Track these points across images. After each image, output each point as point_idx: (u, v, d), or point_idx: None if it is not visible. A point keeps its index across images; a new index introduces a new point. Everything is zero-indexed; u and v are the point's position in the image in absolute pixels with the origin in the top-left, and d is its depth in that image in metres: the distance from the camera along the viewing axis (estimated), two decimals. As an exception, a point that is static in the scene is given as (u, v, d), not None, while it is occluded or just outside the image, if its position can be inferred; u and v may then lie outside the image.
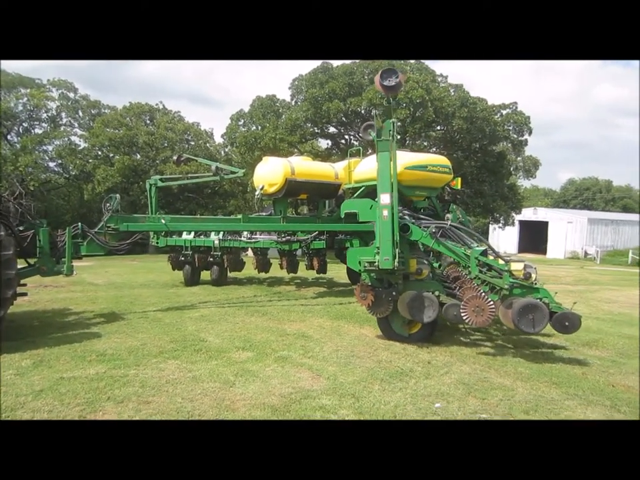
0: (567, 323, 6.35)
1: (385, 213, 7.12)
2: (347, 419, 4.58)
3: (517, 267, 6.80)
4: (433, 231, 7.25)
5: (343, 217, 9.38)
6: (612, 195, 72.58)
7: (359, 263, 7.44)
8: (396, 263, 7.03)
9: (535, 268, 6.94)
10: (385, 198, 7.15)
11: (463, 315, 6.68)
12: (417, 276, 7.56)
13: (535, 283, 6.77)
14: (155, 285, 14.55)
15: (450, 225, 7.41)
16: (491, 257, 7.22)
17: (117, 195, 9.56)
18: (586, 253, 39.36)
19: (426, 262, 7.71)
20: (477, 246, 7.45)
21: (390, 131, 7.05)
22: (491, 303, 6.61)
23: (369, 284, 7.52)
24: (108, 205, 9.12)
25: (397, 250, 7.06)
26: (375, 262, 7.18)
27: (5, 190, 29.20)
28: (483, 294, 6.71)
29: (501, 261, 7.03)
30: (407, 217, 7.69)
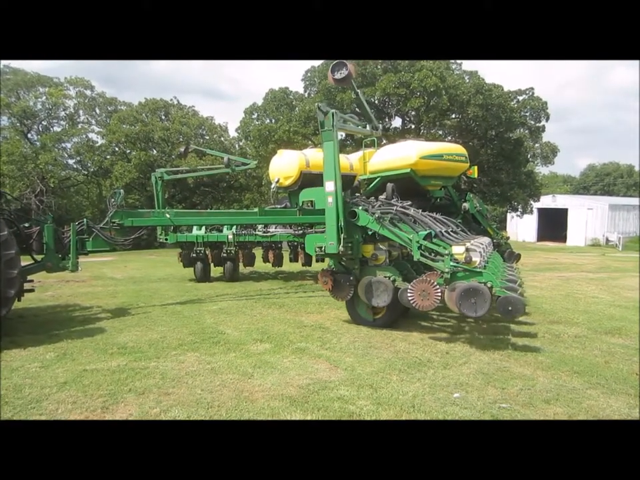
0: (510, 308, 6.26)
1: (330, 199, 7.46)
2: (365, 409, 4.59)
3: (457, 250, 6.76)
4: (377, 216, 7.29)
5: (301, 205, 9.45)
6: (634, 179, 70.53)
7: (314, 248, 7.77)
8: (341, 248, 7.33)
9: (480, 252, 6.83)
10: (329, 185, 7.46)
11: (409, 298, 6.74)
12: (374, 261, 7.73)
13: (479, 267, 6.70)
14: (173, 278, 14.74)
15: (396, 209, 7.42)
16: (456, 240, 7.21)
17: (121, 190, 9.56)
18: (607, 240, 38.54)
19: (383, 248, 7.83)
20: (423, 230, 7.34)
21: (332, 121, 7.34)
22: (437, 287, 6.62)
23: (331, 269, 7.90)
24: (112, 200, 9.09)
25: (342, 235, 7.34)
26: (323, 247, 7.56)
27: (26, 187, 29.94)
28: (430, 278, 6.71)
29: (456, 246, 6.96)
30: (362, 203, 7.75)
